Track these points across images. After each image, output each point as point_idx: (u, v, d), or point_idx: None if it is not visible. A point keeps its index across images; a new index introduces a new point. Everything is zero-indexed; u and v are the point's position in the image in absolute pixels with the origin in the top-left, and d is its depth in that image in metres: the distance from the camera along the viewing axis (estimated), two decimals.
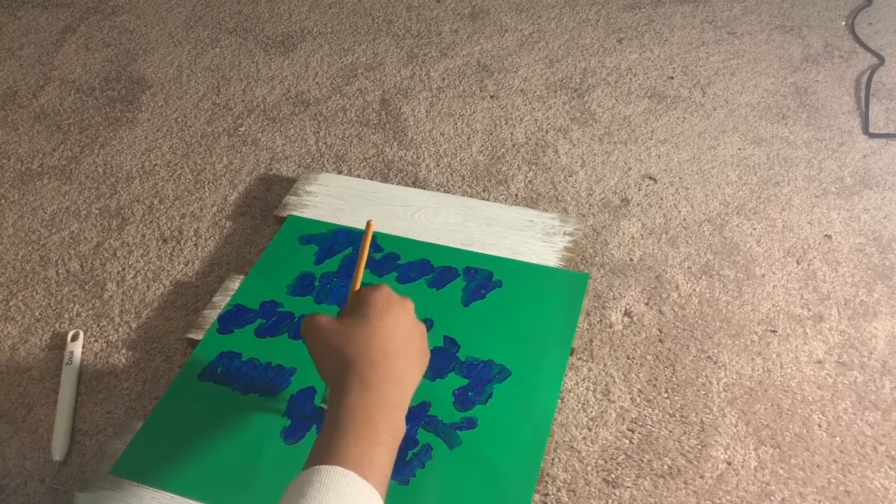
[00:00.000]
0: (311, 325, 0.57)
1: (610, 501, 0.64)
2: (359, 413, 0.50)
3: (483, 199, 0.92)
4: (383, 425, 0.50)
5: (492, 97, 1.09)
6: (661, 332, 0.76)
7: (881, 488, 0.63)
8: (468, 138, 1.02)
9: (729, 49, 1.17)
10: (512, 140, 1.01)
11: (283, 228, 0.85)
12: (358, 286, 0.60)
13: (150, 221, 0.93)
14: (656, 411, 0.70)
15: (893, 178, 0.93)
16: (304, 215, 0.86)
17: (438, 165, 0.98)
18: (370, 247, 0.82)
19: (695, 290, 0.80)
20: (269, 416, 0.67)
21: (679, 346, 0.75)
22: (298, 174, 0.98)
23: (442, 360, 0.70)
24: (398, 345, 0.54)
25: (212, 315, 0.76)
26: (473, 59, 1.18)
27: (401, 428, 0.51)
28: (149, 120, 1.09)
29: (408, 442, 0.64)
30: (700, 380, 0.72)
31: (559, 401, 0.69)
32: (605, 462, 0.66)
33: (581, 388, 0.72)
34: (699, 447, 0.67)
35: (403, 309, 0.57)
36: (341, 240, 0.83)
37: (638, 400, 0.71)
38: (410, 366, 0.55)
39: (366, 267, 0.79)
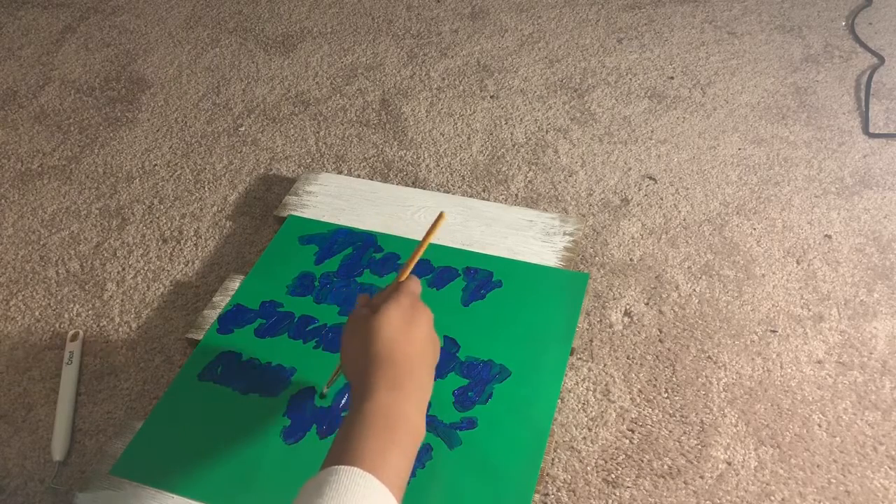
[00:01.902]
0: (352, 314, 0.58)
1: (610, 501, 0.64)
2: (379, 415, 0.50)
3: (483, 199, 0.92)
4: (403, 428, 0.50)
5: (492, 97, 1.09)
6: (661, 332, 0.76)
7: (881, 488, 0.63)
8: (468, 138, 1.02)
9: (729, 49, 1.17)
10: (512, 140, 1.01)
11: (283, 228, 0.85)
12: (405, 276, 0.60)
13: (150, 221, 0.93)
14: (656, 411, 0.70)
15: (893, 178, 0.93)
16: (304, 215, 0.86)
17: (438, 165, 0.98)
18: (372, 247, 0.82)
19: (695, 290, 0.80)
20: (269, 416, 0.67)
21: (679, 346, 0.75)
22: (298, 174, 0.98)
23: (442, 360, 0.70)
24: (419, 350, 0.55)
25: (212, 315, 0.76)
26: (473, 59, 1.18)
27: (421, 432, 0.52)
28: (149, 120, 1.09)
29: None
30: (700, 380, 0.72)
31: (559, 401, 0.69)
32: (605, 462, 0.66)
33: (581, 388, 0.72)
34: (699, 447, 0.67)
35: (426, 318, 0.57)
36: (341, 240, 0.83)
37: (638, 400, 0.71)
38: (427, 374, 0.56)
39: (366, 267, 0.80)
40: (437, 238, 0.82)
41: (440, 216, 0.60)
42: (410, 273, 0.61)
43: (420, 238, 0.61)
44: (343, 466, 0.46)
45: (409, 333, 0.55)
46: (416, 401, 0.52)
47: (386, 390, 0.51)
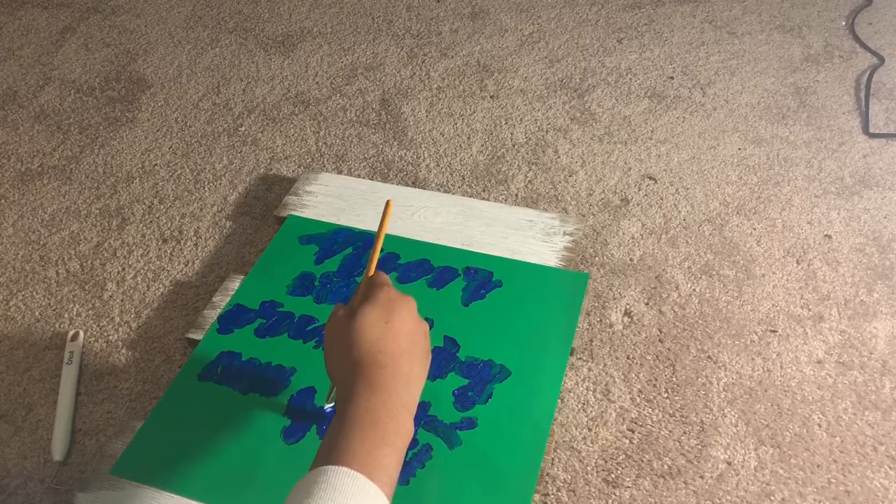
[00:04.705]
0: (331, 317, 0.57)
1: (610, 501, 0.64)
2: (366, 415, 0.50)
3: (483, 199, 0.92)
4: (390, 427, 0.50)
5: (492, 97, 1.09)
6: (661, 332, 0.76)
7: (881, 488, 0.63)
8: (468, 138, 1.02)
9: (729, 49, 1.17)
10: (512, 140, 1.01)
11: (283, 228, 0.85)
12: (372, 271, 0.59)
13: (150, 221, 0.93)
14: (656, 411, 0.70)
15: (893, 178, 0.93)
16: (304, 215, 0.86)
17: (438, 165, 0.98)
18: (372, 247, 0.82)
19: (695, 290, 0.80)
20: (269, 416, 0.67)
21: (679, 346, 0.75)
22: (298, 174, 0.98)
23: (442, 360, 0.70)
24: (404, 347, 0.54)
25: (212, 315, 0.76)
26: (473, 59, 1.18)
27: (409, 430, 0.51)
28: (149, 120, 1.09)
29: None
30: (700, 380, 0.72)
31: (559, 401, 0.69)
32: (605, 462, 0.66)
33: (581, 388, 0.72)
34: (699, 447, 0.67)
35: (407, 309, 0.56)
36: (341, 240, 0.83)
37: (638, 400, 0.71)
38: (417, 367, 0.55)
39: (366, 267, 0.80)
40: (438, 238, 0.82)
41: (387, 204, 0.60)
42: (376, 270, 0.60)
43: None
44: (331, 466, 0.46)
45: (391, 331, 0.54)
46: (402, 399, 0.52)
47: (370, 393, 0.51)
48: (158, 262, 0.87)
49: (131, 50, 1.24)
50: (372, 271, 0.60)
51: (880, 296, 0.79)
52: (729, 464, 0.66)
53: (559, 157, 0.98)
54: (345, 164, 0.99)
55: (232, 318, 0.75)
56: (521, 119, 1.05)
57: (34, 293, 0.85)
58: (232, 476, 0.63)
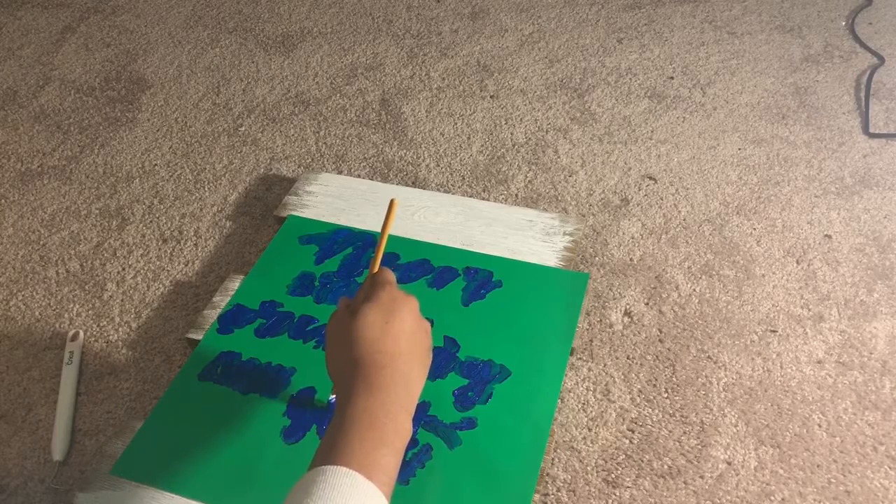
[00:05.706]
0: (333, 314, 0.57)
1: (610, 501, 0.64)
2: (364, 415, 0.50)
3: (483, 199, 0.92)
4: (389, 427, 0.50)
5: (492, 97, 1.09)
6: (661, 332, 0.76)
7: (881, 488, 0.63)
8: (468, 138, 1.02)
9: (729, 49, 1.17)
10: (512, 140, 1.01)
11: (283, 228, 0.85)
12: (376, 268, 0.60)
13: (150, 221, 0.93)
14: (656, 411, 0.70)
15: (893, 178, 0.93)
16: (304, 215, 0.86)
17: (438, 165, 0.98)
18: (372, 247, 0.82)
19: (695, 290, 0.80)
20: (268, 416, 0.67)
21: (679, 346, 0.75)
22: (298, 174, 0.98)
23: (442, 360, 0.70)
24: (404, 347, 0.54)
25: (212, 315, 0.76)
26: (473, 59, 1.18)
27: (407, 430, 0.51)
28: (149, 120, 1.09)
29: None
30: (700, 380, 0.72)
31: (559, 401, 0.69)
32: (605, 462, 0.66)
33: (581, 388, 0.72)
34: (699, 447, 0.67)
35: (409, 309, 0.56)
36: (341, 240, 0.83)
37: (638, 400, 0.71)
38: (417, 368, 0.55)
39: (366, 266, 0.80)
40: (438, 238, 0.82)
41: (392, 203, 0.60)
42: (381, 266, 0.60)
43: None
44: (330, 466, 0.46)
45: (391, 331, 0.54)
46: (401, 400, 0.52)
47: (369, 393, 0.51)
48: (158, 262, 0.87)
49: (131, 50, 1.24)
50: (376, 268, 0.60)
51: (880, 296, 0.79)
52: (729, 464, 0.66)
53: (559, 157, 0.98)
54: (345, 164, 0.99)
55: (232, 318, 0.75)
56: (521, 119, 1.05)
57: (34, 293, 0.85)
58: (232, 476, 0.63)
